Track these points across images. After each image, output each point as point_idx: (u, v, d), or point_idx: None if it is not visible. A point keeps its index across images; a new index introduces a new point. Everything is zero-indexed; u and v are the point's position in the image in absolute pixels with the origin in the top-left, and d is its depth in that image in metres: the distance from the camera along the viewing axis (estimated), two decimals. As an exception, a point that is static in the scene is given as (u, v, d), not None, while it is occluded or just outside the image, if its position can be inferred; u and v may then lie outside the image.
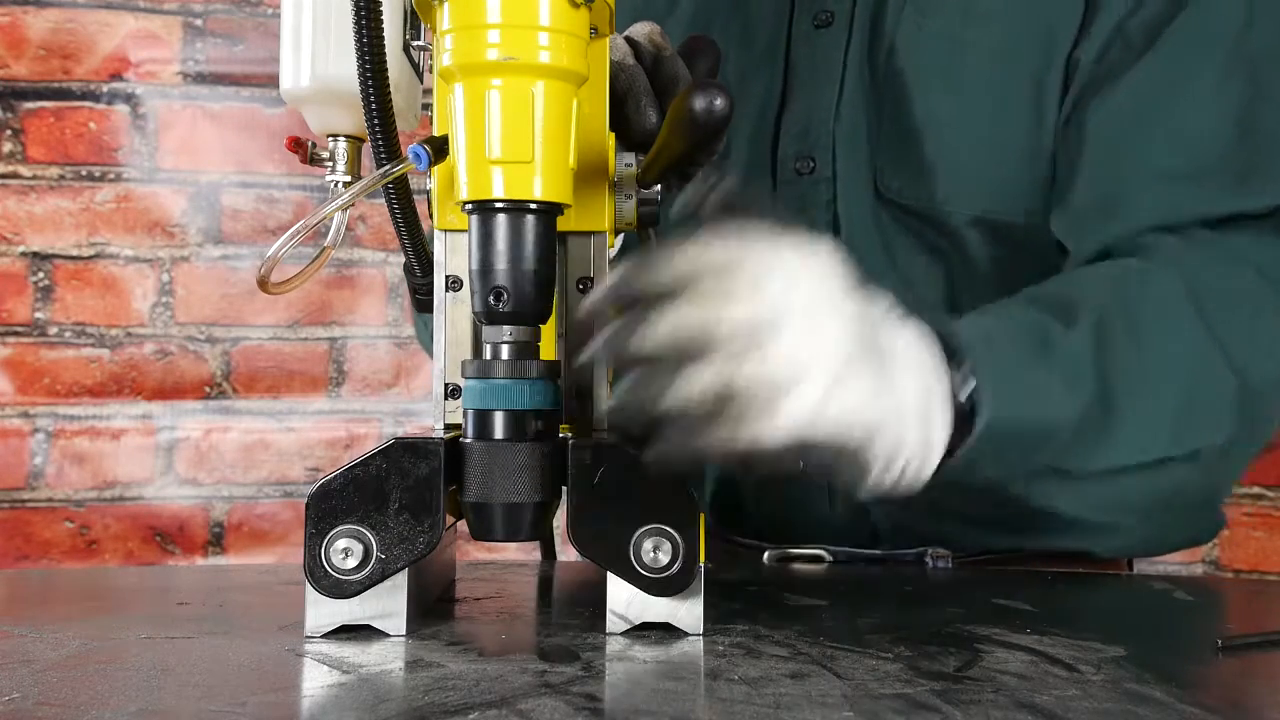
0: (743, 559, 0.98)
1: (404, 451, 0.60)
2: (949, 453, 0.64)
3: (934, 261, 0.92)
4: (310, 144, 0.70)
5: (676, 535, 0.60)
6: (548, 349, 0.69)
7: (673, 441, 0.54)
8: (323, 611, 0.62)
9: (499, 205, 0.60)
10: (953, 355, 0.64)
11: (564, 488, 0.62)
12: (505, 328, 0.62)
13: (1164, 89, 0.84)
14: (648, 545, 0.60)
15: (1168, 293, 0.77)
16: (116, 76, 1.90)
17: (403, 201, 0.67)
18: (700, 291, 0.54)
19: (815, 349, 0.55)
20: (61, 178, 1.89)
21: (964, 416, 0.64)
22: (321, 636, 0.61)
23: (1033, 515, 0.86)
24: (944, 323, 0.66)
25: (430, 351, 1.18)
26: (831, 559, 0.94)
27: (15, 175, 1.88)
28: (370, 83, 0.59)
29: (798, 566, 0.93)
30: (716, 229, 0.57)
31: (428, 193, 0.70)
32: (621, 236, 0.85)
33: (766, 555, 0.95)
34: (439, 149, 0.62)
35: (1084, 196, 0.86)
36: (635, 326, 0.54)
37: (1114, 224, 0.84)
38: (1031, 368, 0.69)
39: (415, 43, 0.72)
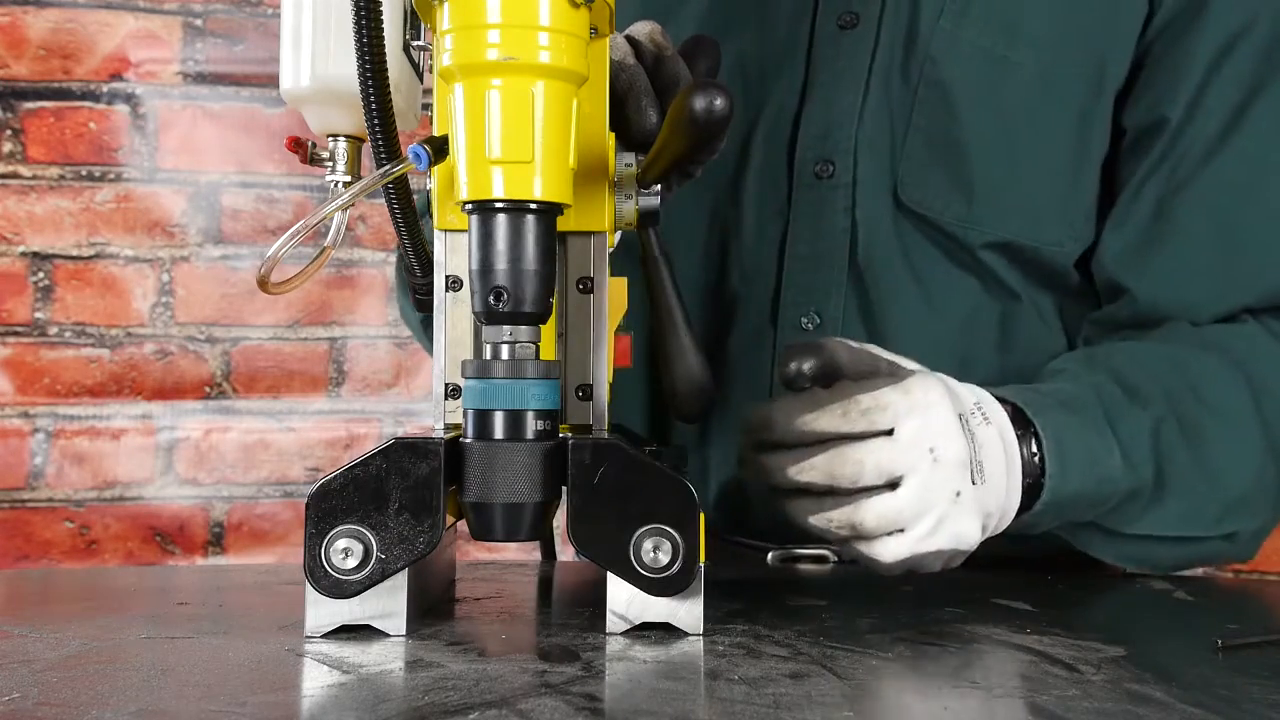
0: (746, 559, 0.98)
1: (404, 451, 0.60)
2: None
3: (956, 273, 0.92)
4: (310, 144, 0.70)
5: (676, 535, 0.60)
6: (548, 349, 0.69)
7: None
8: (323, 611, 0.62)
9: (499, 205, 0.60)
10: (1024, 423, 0.75)
11: (564, 488, 0.62)
12: (505, 328, 0.62)
13: (1263, 166, 0.88)
14: (648, 545, 0.60)
15: (1231, 388, 0.84)
16: (116, 76, 1.90)
17: (403, 201, 0.67)
18: (850, 434, 0.69)
19: (931, 492, 0.69)
20: (61, 178, 1.89)
21: (1033, 478, 0.75)
22: (321, 636, 0.61)
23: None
24: (1020, 399, 0.76)
25: (412, 330, 1.19)
26: (837, 559, 0.94)
27: (15, 175, 1.88)
28: (370, 83, 0.59)
29: (803, 567, 0.93)
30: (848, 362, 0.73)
31: (427, 193, 0.70)
32: (620, 235, 0.85)
33: (770, 556, 0.95)
34: (439, 149, 0.62)
35: (1186, 268, 0.89)
36: (798, 459, 0.70)
37: (1219, 302, 0.89)
38: (1093, 443, 0.77)
39: (415, 43, 0.72)
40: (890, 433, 0.69)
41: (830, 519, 0.70)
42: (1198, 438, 0.81)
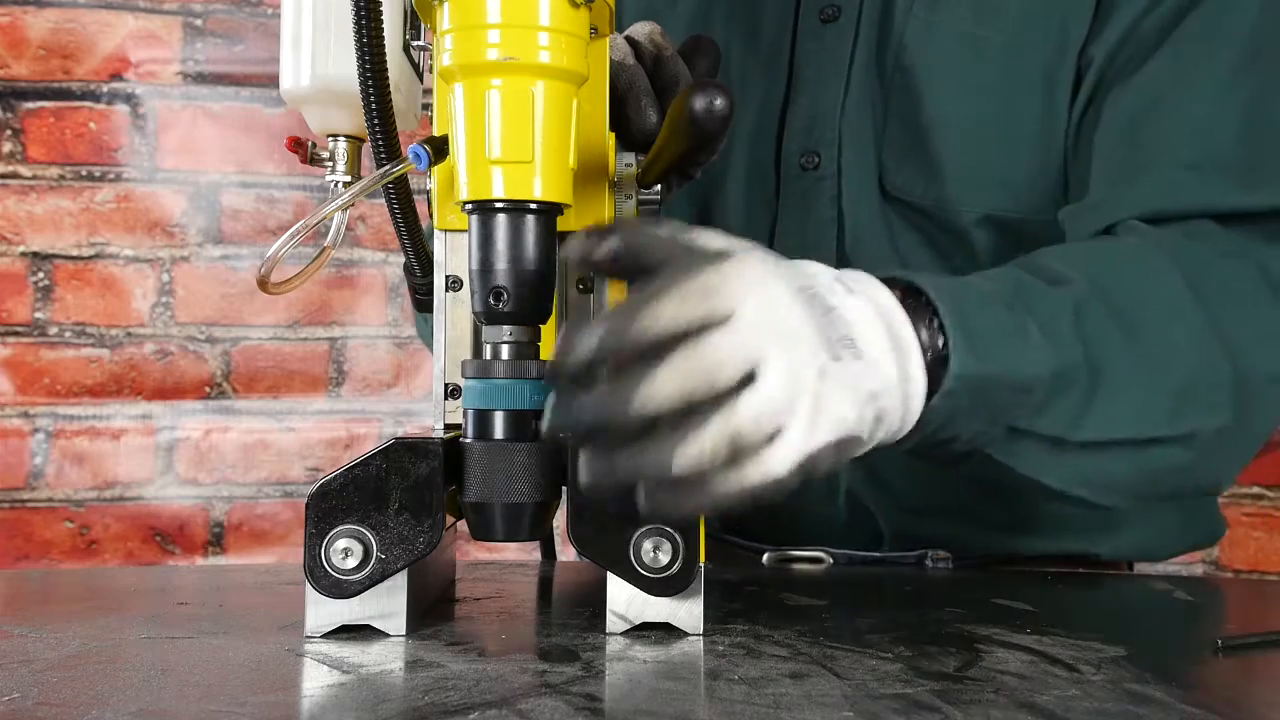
0: (741, 560, 0.98)
1: (404, 451, 0.60)
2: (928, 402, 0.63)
3: (941, 259, 0.92)
4: (310, 144, 0.70)
5: (676, 535, 0.60)
6: (548, 349, 0.69)
7: (685, 501, 0.54)
8: (323, 611, 0.62)
9: (499, 205, 0.60)
10: (924, 307, 0.63)
11: (564, 488, 0.62)
12: (505, 328, 0.62)
13: (1175, 83, 0.84)
14: (648, 545, 0.60)
15: (1164, 275, 0.75)
16: (116, 76, 1.90)
17: (403, 201, 0.67)
18: (687, 338, 0.54)
19: (796, 372, 0.55)
20: (61, 178, 1.89)
21: (939, 364, 0.63)
22: (321, 636, 0.61)
23: (1032, 510, 0.85)
24: (914, 276, 0.65)
25: (432, 347, 1.17)
26: (831, 560, 0.94)
27: (15, 175, 1.88)
28: (370, 83, 0.59)
29: (798, 567, 0.93)
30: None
31: (428, 193, 0.70)
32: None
33: (766, 556, 0.95)
34: (439, 149, 0.62)
35: (1095, 186, 0.85)
36: (632, 388, 0.52)
37: (1118, 207, 0.82)
38: (1003, 318, 0.66)
39: (415, 43, 0.72)
40: (728, 320, 0.55)
41: (702, 443, 0.53)
42: (1130, 320, 0.72)
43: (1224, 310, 0.75)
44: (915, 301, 0.63)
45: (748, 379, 0.54)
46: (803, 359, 0.56)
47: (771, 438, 0.55)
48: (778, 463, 0.55)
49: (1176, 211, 0.81)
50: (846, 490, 0.93)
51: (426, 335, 1.11)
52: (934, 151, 0.90)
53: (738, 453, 0.54)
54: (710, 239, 0.59)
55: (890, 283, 0.63)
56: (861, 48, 0.93)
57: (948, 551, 0.94)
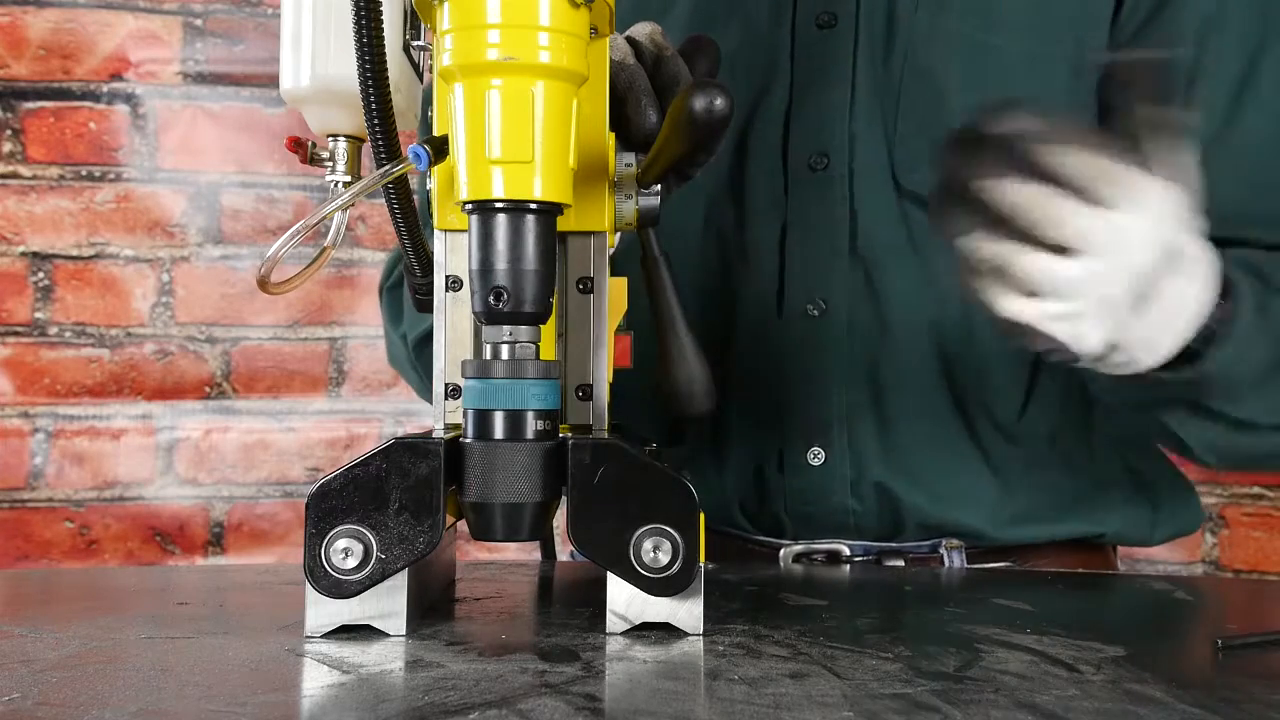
0: (756, 556, 0.98)
1: (404, 451, 0.60)
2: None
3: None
4: (310, 144, 0.70)
5: (676, 535, 0.60)
6: (548, 349, 0.69)
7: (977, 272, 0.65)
8: (323, 611, 0.62)
9: (499, 205, 0.60)
10: (1223, 293, 0.73)
11: (564, 487, 0.62)
12: (505, 328, 0.62)
13: None
14: (648, 545, 0.60)
15: None
16: (116, 76, 1.90)
17: (403, 201, 0.67)
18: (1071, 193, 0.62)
19: (1092, 285, 0.64)
20: (61, 178, 1.89)
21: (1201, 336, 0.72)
22: (321, 636, 0.61)
23: (1043, 493, 0.93)
24: (1222, 259, 0.73)
25: (401, 370, 1.16)
26: (849, 553, 0.94)
27: (15, 175, 1.88)
28: (370, 83, 0.59)
29: (797, 566, 0.93)
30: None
31: (427, 193, 0.70)
32: (619, 235, 0.85)
33: (782, 553, 0.95)
34: (439, 149, 0.62)
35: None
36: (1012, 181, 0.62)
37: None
38: (1255, 326, 0.76)
39: (415, 43, 0.72)
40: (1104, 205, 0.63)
41: (992, 249, 0.64)
42: None
43: None
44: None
45: (1060, 250, 0.63)
46: (1110, 283, 0.64)
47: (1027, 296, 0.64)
48: (1008, 306, 0.65)
49: None
50: (875, 482, 0.93)
51: (401, 358, 1.10)
52: None
53: (992, 279, 0.65)
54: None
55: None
56: (863, 52, 0.94)
57: (960, 540, 0.94)
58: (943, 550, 0.94)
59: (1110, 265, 0.64)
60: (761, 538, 0.98)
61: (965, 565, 0.94)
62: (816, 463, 0.94)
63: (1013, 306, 0.65)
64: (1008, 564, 0.95)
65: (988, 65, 0.91)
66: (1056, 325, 0.65)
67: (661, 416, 1.03)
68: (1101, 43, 0.91)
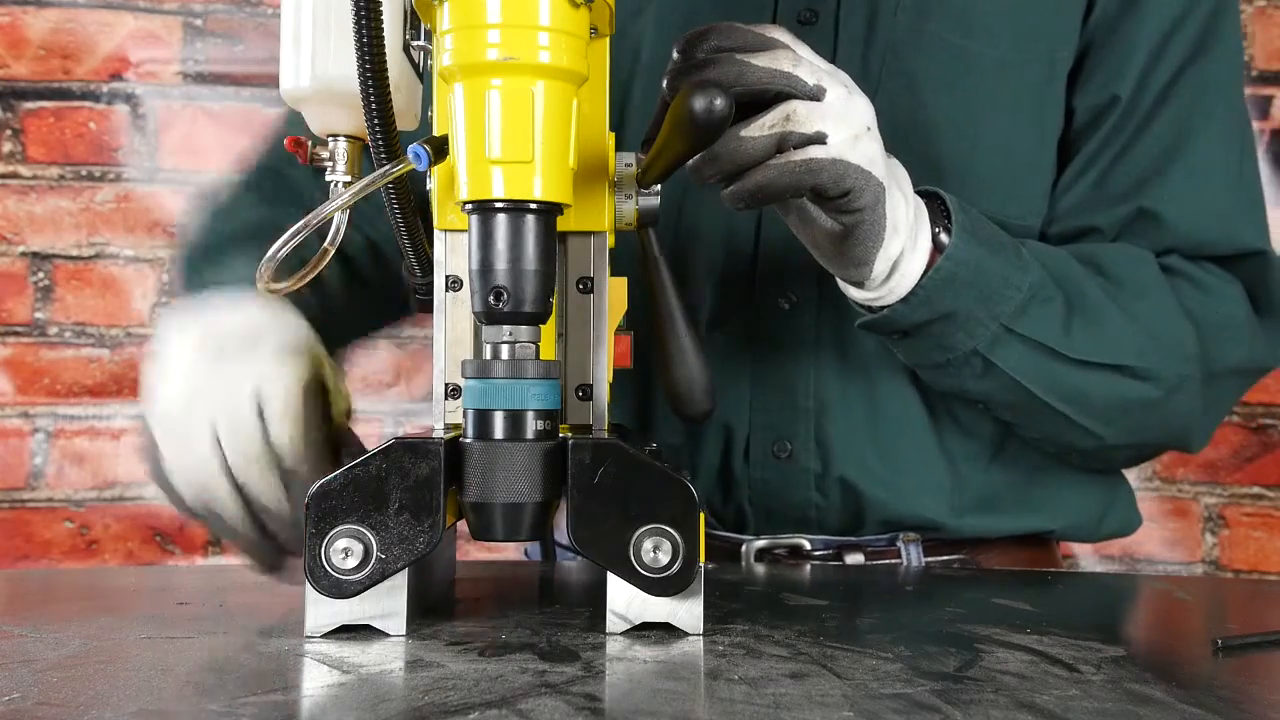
0: (718, 552, 0.97)
1: (404, 451, 0.60)
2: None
3: None
4: (310, 144, 0.70)
5: (676, 535, 0.60)
6: (548, 349, 0.69)
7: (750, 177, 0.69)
8: (323, 611, 0.62)
9: (499, 205, 0.60)
10: (939, 211, 0.81)
11: (564, 487, 0.62)
12: (505, 328, 0.62)
13: (1184, 129, 0.94)
14: (648, 545, 0.60)
15: (1146, 262, 0.91)
16: (116, 76, 1.90)
17: (403, 201, 0.67)
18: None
19: (858, 115, 0.71)
20: (61, 178, 1.89)
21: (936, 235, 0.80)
22: (321, 636, 0.62)
23: (1001, 487, 0.96)
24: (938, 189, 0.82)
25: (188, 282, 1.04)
26: (809, 548, 0.94)
27: (15, 175, 1.88)
28: (370, 83, 0.59)
29: (797, 566, 0.93)
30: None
31: (427, 193, 0.70)
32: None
33: (744, 549, 0.96)
34: (439, 149, 0.62)
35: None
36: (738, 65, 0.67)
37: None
38: (1002, 236, 0.83)
39: (415, 43, 0.72)
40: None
41: (763, 122, 0.68)
42: (1113, 276, 0.89)
43: (1197, 304, 0.91)
44: (932, 202, 0.81)
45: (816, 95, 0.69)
46: (862, 123, 0.71)
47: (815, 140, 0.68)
48: (818, 149, 0.68)
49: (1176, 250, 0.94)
50: (839, 476, 0.93)
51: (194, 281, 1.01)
52: (936, 153, 0.92)
53: (786, 139, 0.68)
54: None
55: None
56: (843, 50, 0.94)
57: (917, 533, 0.95)
58: (900, 544, 0.95)
59: (854, 93, 0.71)
60: (724, 533, 0.98)
61: (923, 559, 0.94)
62: (783, 456, 0.95)
63: (807, 153, 0.69)
64: (961, 557, 0.96)
65: (965, 69, 0.93)
66: (852, 152, 0.69)
67: (653, 416, 1.03)
68: (1072, 46, 0.94)
